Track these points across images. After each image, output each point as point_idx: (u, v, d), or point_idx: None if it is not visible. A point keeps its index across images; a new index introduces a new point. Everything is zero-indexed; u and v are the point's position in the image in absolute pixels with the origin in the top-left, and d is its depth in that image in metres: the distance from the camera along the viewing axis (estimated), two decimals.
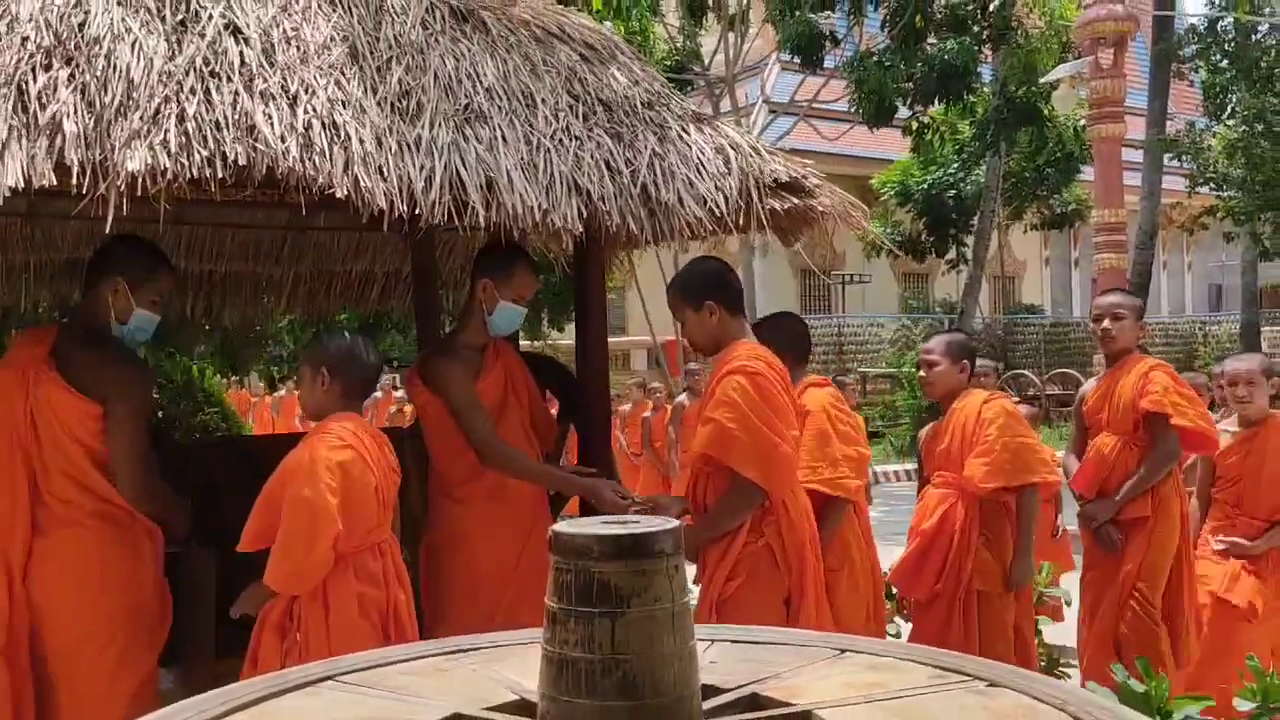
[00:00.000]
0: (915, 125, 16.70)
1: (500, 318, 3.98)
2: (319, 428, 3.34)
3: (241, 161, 3.08)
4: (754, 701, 1.89)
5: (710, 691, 1.83)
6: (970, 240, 21.65)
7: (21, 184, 2.82)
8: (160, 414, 8.95)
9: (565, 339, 20.33)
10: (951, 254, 23.75)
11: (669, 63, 17.46)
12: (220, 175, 3.06)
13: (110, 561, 3.36)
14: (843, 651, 2.25)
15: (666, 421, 11.07)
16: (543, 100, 3.97)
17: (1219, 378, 5.70)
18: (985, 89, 17.04)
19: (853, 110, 15.92)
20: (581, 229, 3.66)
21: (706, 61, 18.18)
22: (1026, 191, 23.33)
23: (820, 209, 4.20)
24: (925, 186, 22.54)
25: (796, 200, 4.15)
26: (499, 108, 3.85)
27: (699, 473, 3.67)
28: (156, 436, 3.96)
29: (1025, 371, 22.44)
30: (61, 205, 4.83)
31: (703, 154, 4.08)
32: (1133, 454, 4.66)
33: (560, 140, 3.84)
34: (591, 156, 3.84)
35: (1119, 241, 10.46)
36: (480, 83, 3.91)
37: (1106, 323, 4.78)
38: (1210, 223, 19.95)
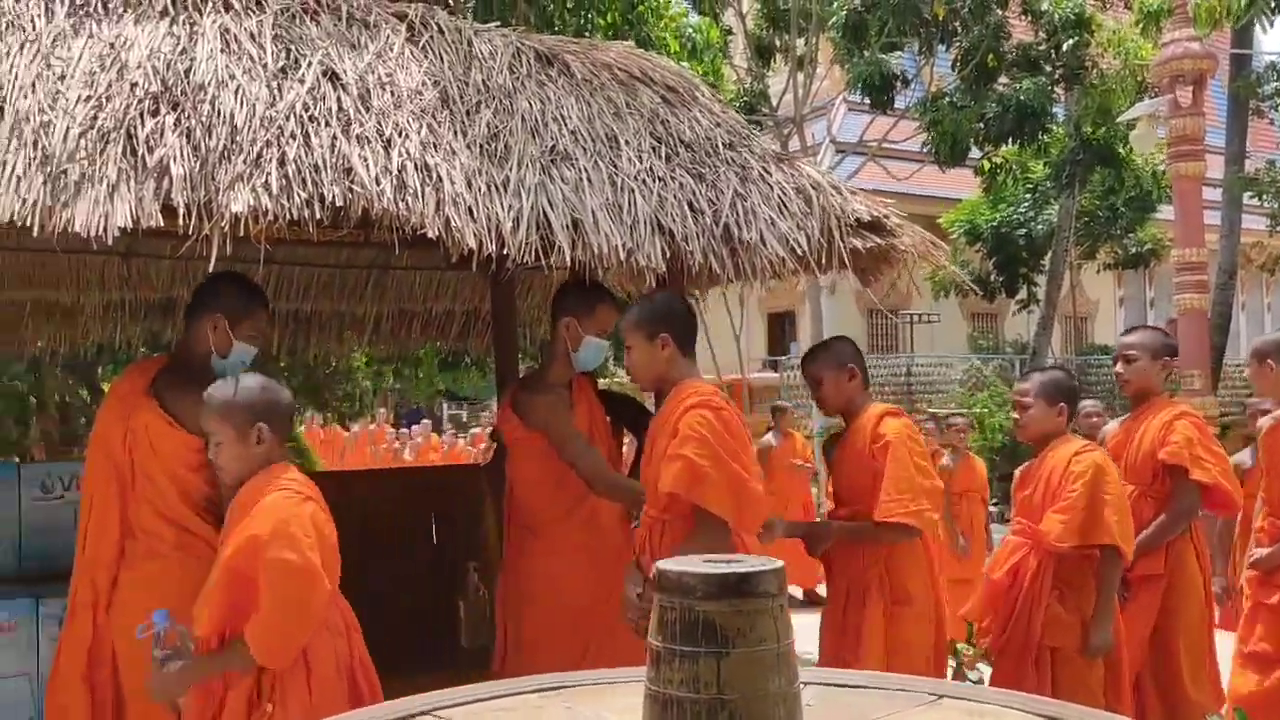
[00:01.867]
0: (988, 166, 16.53)
1: (585, 353, 4.03)
2: (267, 483, 2.94)
3: (339, 203, 3.17)
4: None
5: None
6: (1040, 280, 21.36)
7: (130, 224, 2.93)
8: None
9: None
10: (1022, 294, 23.43)
11: (737, 104, 17.57)
12: (318, 216, 3.15)
13: (189, 595, 3.40)
14: (940, 697, 2.22)
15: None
16: (626, 142, 4.03)
17: None
18: (1059, 129, 16.86)
19: (926, 150, 15.82)
20: (665, 269, 3.70)
21: (775, 103, 18.25)
22: (1100, 231, 22.96)
23: (902, 248, 4.20)
24: (995, 225, 22.29)
25: (878, 240, 4.16)
26: (584, 149, 3.91)
27: (655, 521, 3.45)
28: None
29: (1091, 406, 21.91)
30: (158, 245, 5.01)
31: (784, 194, 4.11)
32: (1149, 506, 4.33)
33: (644, 181, 3.89)
34: (675, 197, 3.89)
35: (1201, 281, 10.23)
36: (565, 125, 3.98)
37: (1119, 365, 4.56)
38: None
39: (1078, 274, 26.99)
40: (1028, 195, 21.25)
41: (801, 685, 2.23)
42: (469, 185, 3.51)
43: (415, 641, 4.59)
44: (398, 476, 6.39)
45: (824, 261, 4.03)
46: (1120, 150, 16.83)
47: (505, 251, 3.45)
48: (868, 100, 15.90)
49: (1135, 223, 22.15)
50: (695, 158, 4.13)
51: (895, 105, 16.21)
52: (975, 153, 16.84)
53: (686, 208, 3.88)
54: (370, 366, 9.88)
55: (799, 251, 3.93)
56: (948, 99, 15.06)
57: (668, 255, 3.71)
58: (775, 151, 4.42)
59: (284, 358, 6.25)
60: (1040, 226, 21.23)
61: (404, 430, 20.02)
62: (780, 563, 1.76)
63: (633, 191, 3.81)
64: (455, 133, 3.68)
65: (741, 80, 18.14)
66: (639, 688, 1.74)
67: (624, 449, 4.66)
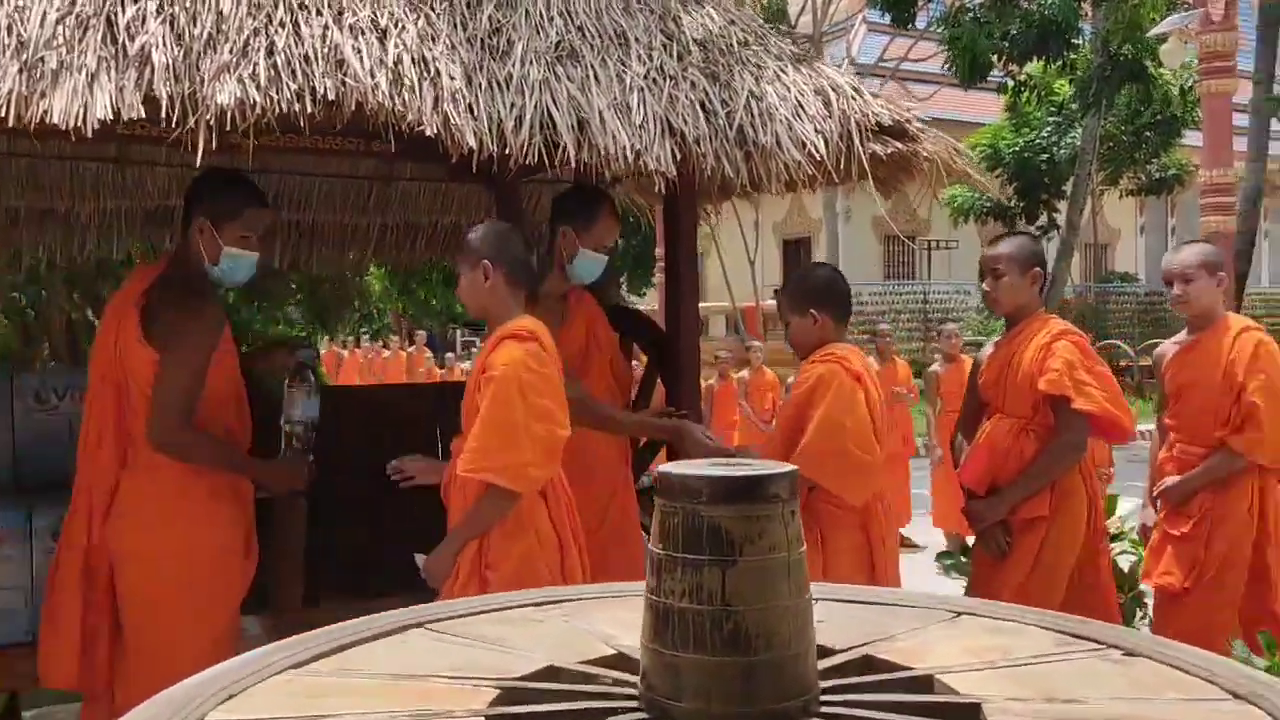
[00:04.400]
0: (1011, 84, 16.09)
1: (580, 266, 3.85)
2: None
3: (331, 96, 3.01)
4: (868, 663, 1.76)
5: (821, 652, 1.70)
6: (1061, 206, 21.01)
7: (110, 116, 2.77)
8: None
9: (645, 303, 20.21)
10: (1042, 220, 23.07)
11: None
12: (310, 110, 2.98)
13: (191, 505, 3.30)
14: (959, 615, 2.10)
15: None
16: (636, 39, 3.83)
17: None
18: (1085, 46, 16.39)
19: (945, 69, 15.43)
20: (675, 172, 3.52)
21: (793, 21, 17.82)
22: (1124, 156, 22.53)
23: (924, 154, 4.01)
24: (1017, 150, 21.88)
25: (900, 145, 3.97)
26: (591, 46, 3.72)
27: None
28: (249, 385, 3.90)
29: (1119, 342, 21.78)
30: (151, 151, 4.85)
31: (802, 95, 3.91)
32: (1030, 441, 3.83)
33: (654, 80, 3.70)
34: (686, 97, 3.70)
35: (1227, 204, 9.98)
36: (572, 20, 3.78)
37: (985, 283, 4.00)
38: None
39: (1099, 200, 26.59)
40: (1051, 120, 20.82)
41: (815, 601, 2.12)
42: (469, 82, 3.34)
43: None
44: (427, 390, 6.21)
45: (843, 167, 3.85)
46: (1149, 67, 16.37)
47: (507, 152, 3.28)
48: (888, 18, 15.47)
49: (1160, 147, 21.72)
50: (708, 56, 3.92)
51: (916, 24, 15.79)
52: (999, 74, 16.42)
53: (699, 108, 3.69)
54: (388, 288, 9.76)
55: (817, 155, 3.74)
56: (970, 14, 14.62)
57: (678, 158, 3.53)
58: (793, 51, 4.20)
59: (288, 271, 6.09)
60: (1063, 151, 20.83)
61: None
62: (793, 467, 1.63)
63: (642, 90, 3.62)
64: (455, 25, 3.49)
65: None
66: (640, 602, 1.63)
67: (634, 368, 4.54)
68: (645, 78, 3.68)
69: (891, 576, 3.65)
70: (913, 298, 23.99)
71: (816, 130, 3.81)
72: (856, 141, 3.84)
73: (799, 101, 3.88)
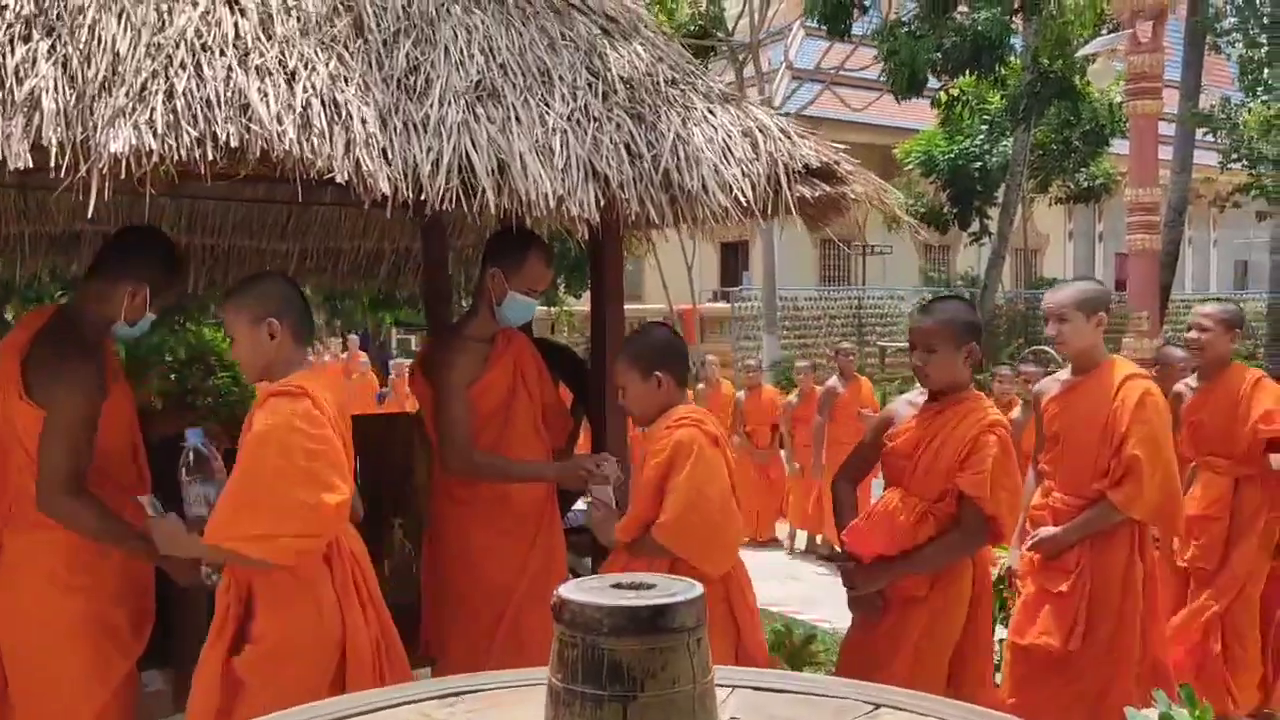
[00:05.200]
0: (945, 97, 16.21)
1: (510, 309, 3.78)
2: None
3: (234, 143, 2.86)
4: None
5: None
6: (993, 213, 21.28)
7: None
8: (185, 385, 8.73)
9: (581, 305, 20.11)
10: (975, 226, 23.34)
11: (692, 27, 17.10)
12: (211, 157, 2.84)
13: (77, 566, 3.13)
14: (877, 707, 2.05)
15: (815, 409, 9.84)
16: (560, 77, 3.73)
17: None
18: (1017, 61, 16.59)
19: (883, 80, 15.48)
20: (598, 218, 3.44)
21: (730, 27, 17.80)
22: (1053, 164, 22.86)
23: (853, 196, 3.96)
24: (951, 157, 22.12)
25: (828, 188, 3.91)
26: (513, 85, 3.61)
27: None
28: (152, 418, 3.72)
29: (1047, 348, 22.08)
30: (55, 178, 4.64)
31: (729, 137, 3.84)
32: (929, 526, 3.59)
33: (578, 121, 3.60)
34: (611, 139, 3.60)
35: (1152, 222, 10.08)
36: (494, 58, 3.67)
37: (915, 357, 3.72)
38: (1241, 199, 19.54)
39: (1030, 207, 26.97)
40: (984, 127, 21.06)
41: (729, 691, 2.04)
42: (383, 124, 3.21)
43: None
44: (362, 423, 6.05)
45: (770, 210, 3.79)
46: (1078, 83, 16.60)
47: (423, 198, 3.17)
48: (824, 28, 15.51)
49: (1089, 157, 22.07)
50: (634, 96, 3.83)
51: (854, 33, 15.85)
52: (934, 84, 16.56)
53: (624, 151, 3.60)
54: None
55: (743, 201, 3.67)
56: (905, 28, 14.71)
57: (601, 203, 3.44)
58: (722, 91, 4.13)
59: (201, 294, 5.88)
60: (995, 159, 21.09)
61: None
62: (699, 590, 1.55)
63: (565, 132, 3.52)
64: (369, 65, 3.36)
65: (697, 3, 17.66)
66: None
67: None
68: (569, 119, 3.59)
69: (756, 643, 3.46)
70: (848, 303, 24.11)
71: (744, 173, 3.74)
72: (784, 184, 3.78)
73: (725, 144, 3.80)
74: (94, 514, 3.11)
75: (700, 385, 11.42)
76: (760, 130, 3.91)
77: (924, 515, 3.58)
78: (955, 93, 16.48)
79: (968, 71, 15.15)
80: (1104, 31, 13.50)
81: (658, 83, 3.92)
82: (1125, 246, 10.48)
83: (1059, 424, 4.08)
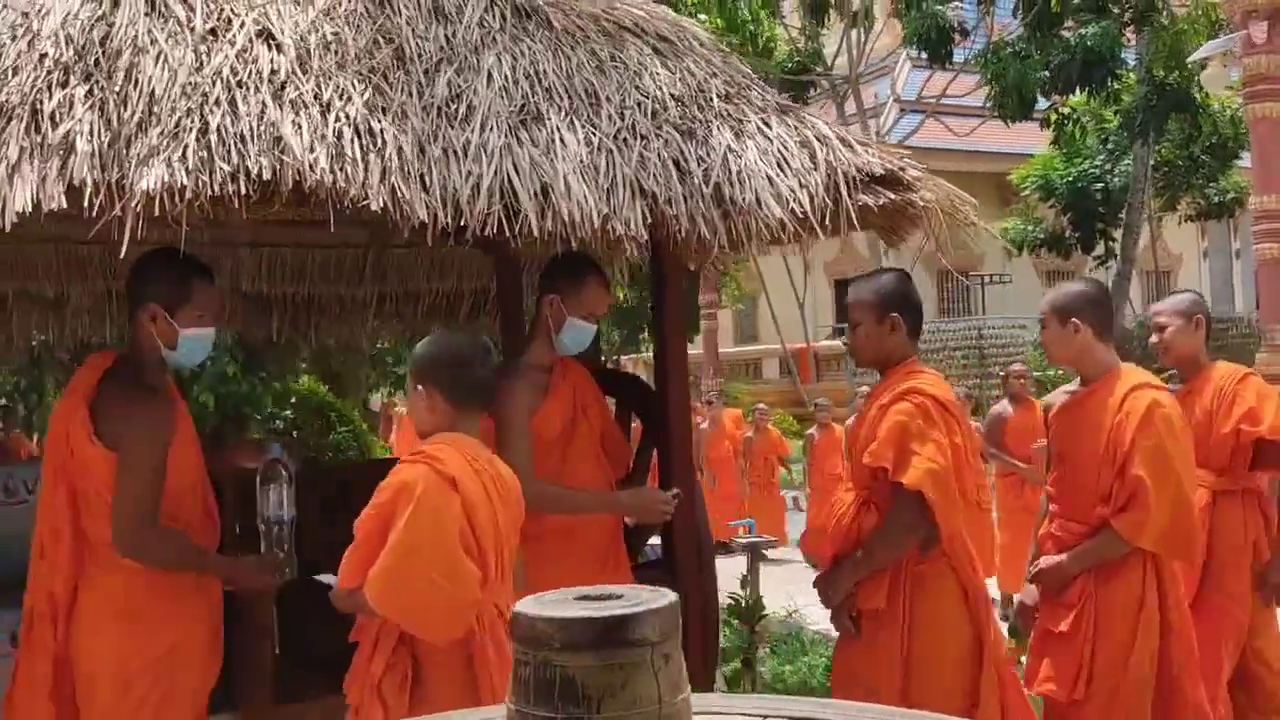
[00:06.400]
0: (1056, 117, 15.69)
1: (568, 336, 3.68)
2: None
3: (266, 175, 2.86)
4: None
5: None
6: (1118, 234, 20.49)
7: (29, 208, 2.65)
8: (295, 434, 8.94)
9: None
10: (1099, 250, 22.51)
11: (789, 64, 17.00)
12: (244, 191, 2.84)
13: (151, 606, 3.14)
14: None
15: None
16: (607, 98, 3.66)
17: None
18: (1130, 75, 15.98)
19: (989, 106, 15.10)
20: (647, 235, 3.33)
21: (830, 62, 17.64)
22: (1180, 181, 21.94)
23: (921, 204, 3.78)
24: (1069, 180, 21.41)
25: (893, 195, 3.74)
26: (559, 108, 3.55)
27: None
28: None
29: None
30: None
31: (785, 148, 3.71)
32: (870, 516, 3.35)
33: (624, 139, 3.52)
34: (659, 156, 3.51)
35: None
36: (540, 82, 3.62)
37: (851, 333, 3.56)
38: None
39: (1158, 227, 25.91)
40: (1102, 147, 20.36)
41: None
42: (421, 151, 3.18)
43: None
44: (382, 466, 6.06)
45: (829, 222, 3.63)
46: (1196, 94, 15.90)
47: (463, 223, 3.11)
48: (925, 55, 15.24)
49: (1217, 171, 21.13)
50: (685, 113, 3.74)
51: (956, 59, 15.53)
52: (1043, 104, 16.06)
53: (672, 167, 3.51)
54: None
55: (799, 212, 3.53)
56: (1010, 49, 14.33)
57: (648, 221, 3.34)
58: (779, 102, 4.01)
59: (288, 342, 5.98)
60: (1116, 179, 20.34)
61: None
62: (669, 598, 1.41)
63: (610, 152, 3.44)
64: (410, 94, 3.34)
65: (794, 40, 17.56)
66: None
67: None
68: (615, 138, 3.51)
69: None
70: (967, 334, 23.43)
71: (800, 185, 3.60)
72: (844, 193, 3.62)
73: (782, 155, 3.68)
74: (173, 545, 3.14)
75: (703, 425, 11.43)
76: (819, 140, 3.77)
77: (865, 503, 3.35)
78: (1066, 111, 15.90)
79: (1079, 89, 14.64)
80: (1219, 37, 12.90)
81: (709, 98, 3.82)
82: (1254, 258, 9.94)
83: (1063, 441, 3.65)
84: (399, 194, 3.02)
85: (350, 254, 5.35)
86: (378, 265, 5.39)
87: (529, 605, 1.39)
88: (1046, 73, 14.27)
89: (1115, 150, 20.14)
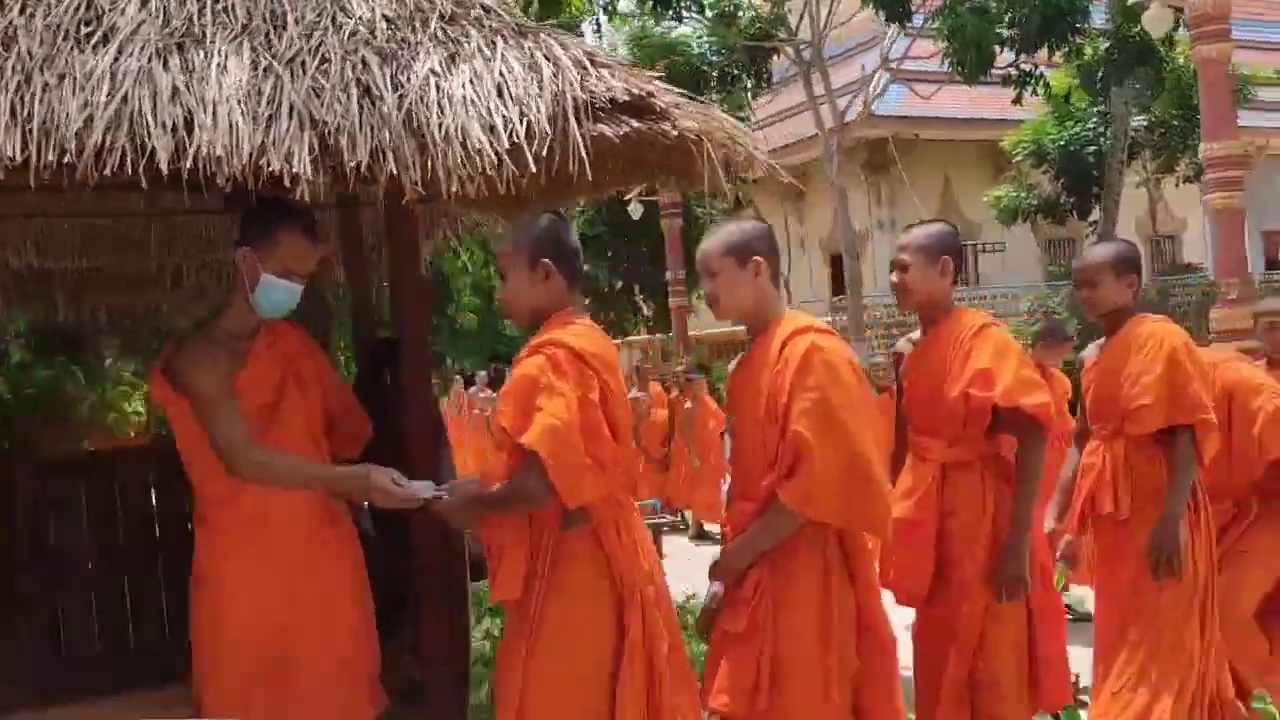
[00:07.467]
0: (1016, 75, 14.91)
1: (263, 296, 3.15)
2: None
3: None
4: None
5: None
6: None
7: None
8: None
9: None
10: (1095, 215, 21.77)
11: (751, 30, 16.41)
12: None
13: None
14: None
15: None
16: (296, 20, 3.18)
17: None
18: (1092, 31, 15.21)
19: (948, 64, 14.42)
20: (310, 172, 2.84)
21: (794, 28, 17.01)
22: (1177, 141, 21.12)
23: (676, 133, 3.27)
24: (1062, 144, 20.67)
25: (639, 124, 3.23)
26: (230, 31, 3.07)
27: None
28: None
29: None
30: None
31: (507, 72, 3.20)
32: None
33: (301, 63, 3.03)
34: (341, 79, 3.02)
35: (1234, 179, 8.93)
36: (215, 3, 3.14)
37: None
38: None
39: (1157, 189, 25.07)
40: (1096, 110, 19.60)
41: None
42: (27, 80, 2.72)
43: None
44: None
45: (559, 155, 3.12)
46: (1160, 47, 15.08)
47: (67, 160, 2.65)
48: (883, 16, 14.57)
49: None
50: (396, 35, 3.25)
51: (914, 21, 14.89)
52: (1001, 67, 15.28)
53: (357, 93, 3.01)
54: None
55: (515, 140, 3.03)
56: (967, 4, 13.67)
57: (315, 153, 2.85)
58: (518, 23, 3.50)
59: (68, 322, 5.54)
60: (1109, 142, 19.58)
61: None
62: None
63: (279, 76, 2.96)
64: (29, 14, 2.87)
65: (758, 7, 16.96)
66: None
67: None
68: (291, 61, 3.02)
69: None
70: (964, 303, 22.82)
71: (521, 115, 3.10)
72: (574, 122, 3.12)
73: (503, 80, 3.17)
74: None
75: (688, 404, 11.12)
76: (550, 60, 3.26)
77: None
78: (1028, 69, 15.09)
79: (1040, 45, 13.94)
80: None
81: (427, 19, 3.32)
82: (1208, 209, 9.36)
83: (730, 407, 3.25)
84: None
85: (134, 224, 4.88)
86: (166, 235, 4.91)
87: None
88: (1006, 30, 13.59)
89: (1108, 112, 19.38)
